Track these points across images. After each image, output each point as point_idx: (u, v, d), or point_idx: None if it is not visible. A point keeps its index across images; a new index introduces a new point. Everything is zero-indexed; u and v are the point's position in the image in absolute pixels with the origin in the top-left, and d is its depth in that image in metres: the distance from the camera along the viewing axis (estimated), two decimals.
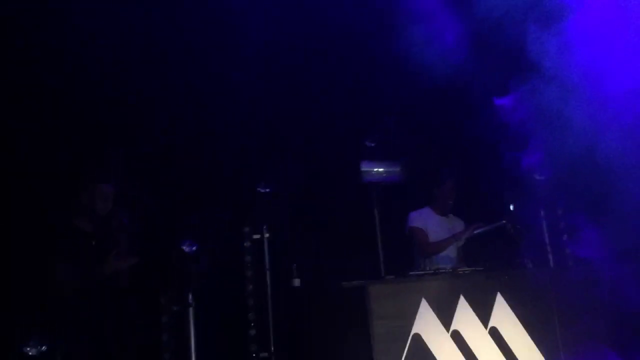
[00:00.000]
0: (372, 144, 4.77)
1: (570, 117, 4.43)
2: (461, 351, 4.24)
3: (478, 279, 4.43)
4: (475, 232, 4.85)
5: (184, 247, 4.05)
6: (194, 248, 4.09)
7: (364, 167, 4.70)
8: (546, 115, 4.49)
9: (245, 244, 4.62)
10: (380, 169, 4.79)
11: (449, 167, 5.11)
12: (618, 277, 4.36)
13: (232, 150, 5.04)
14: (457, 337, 4.26)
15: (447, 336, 4.26)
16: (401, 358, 4.14)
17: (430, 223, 5.00)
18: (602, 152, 4.34)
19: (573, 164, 4.42)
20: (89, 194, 4.03)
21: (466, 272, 4.49)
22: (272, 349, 4.41)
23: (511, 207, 4.71)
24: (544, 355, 4.30)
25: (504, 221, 4.69)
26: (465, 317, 4.30)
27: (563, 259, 4.85)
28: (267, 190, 4.66)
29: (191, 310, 4.06)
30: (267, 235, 4.62)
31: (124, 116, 4.77)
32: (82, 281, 3.84)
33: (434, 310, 4.27)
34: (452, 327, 4.28)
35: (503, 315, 4.33)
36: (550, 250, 4.84)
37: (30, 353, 3.33)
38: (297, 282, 4.57)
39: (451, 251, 4.94)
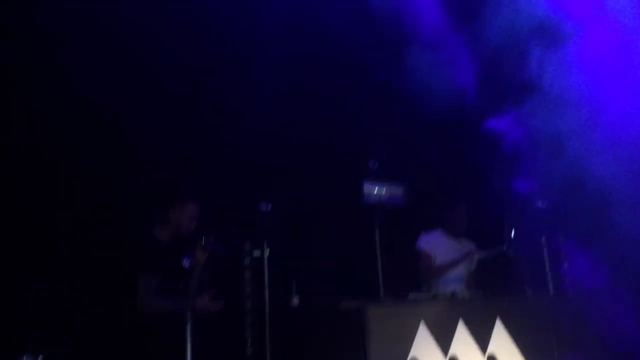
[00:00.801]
0: (375, 166, 4.78)
1: (566, 142, 4.46)
2: None
3: (477, 304, 4.42)
4: (477, 256, 4.85)
5: (183, 262, 4.03)
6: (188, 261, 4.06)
7: (366, 189, 4.70)
8: (542, 138, 4.51)
9: (245, 261, 4.61)
10: (383, 191, 4.80)
11: (462, 190, 5.13)
12: (616, 307, 4.35)
13: (233, 167, 5.06)
14: None
15: None
16: None
17: (439, 246, 5.01)
18: (598, 179, 4.36)
19: (569, 189, 4.45)
20: (177, 211, 4.05)
21: (465, 296, 4.48)
22: None
23: (512, 234, 4.71)
24: None
25: (504, 247, 4.69)
26: (463, 343, 4.27)
27: (563, 287, 4.83)
28: (269, 208, 4.65)
29: (189, 324, 4.02)
30: (267, 252, 4.61)
31: None
32: (169, 304, 3.85)
33: (432, 334, 4.25)
34: (450, 353, 4.25)
35: (502, 341, 4.31)
36: (550, 278, 4.82)
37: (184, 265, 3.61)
38: (296, 300, 4.55)
39: (461, 274, 4.95)
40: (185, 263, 3.88)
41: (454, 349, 4.25)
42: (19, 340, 3.98)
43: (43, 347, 3.74)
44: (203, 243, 4.02)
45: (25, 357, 3.33)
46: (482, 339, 4.29)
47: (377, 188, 4.73)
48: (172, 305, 3.87)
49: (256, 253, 4.60)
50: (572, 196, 4.54)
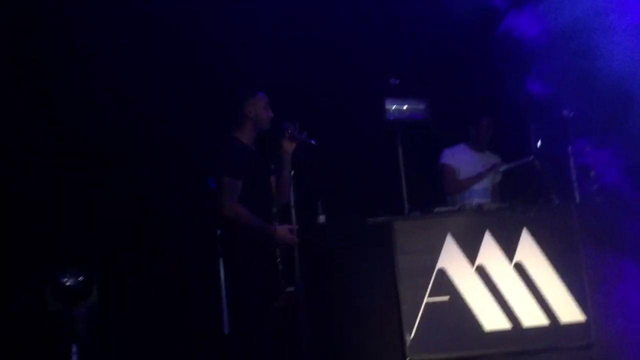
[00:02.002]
0: (397, 82, 4.72)
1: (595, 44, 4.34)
2: (486, 285, 4.28)
3: (504, 214, 4.43)
4: (502, 168, 4.83)
5: (286, 127, 3.87)
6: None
7: (388, 105, 4.66)
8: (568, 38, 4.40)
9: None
10: (405, 107, 4.75)
11: (485, 104, 5.06)
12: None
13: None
14: (482, 272, 4.30)
15: (471, 271, 4.30)
16: (426, 292, 4.20)
17: (464, 160, 4.97)
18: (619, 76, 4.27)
19: (589, 91, 4.37)
20: (251, 103, 3.84)
21: (492, 208, 4.49)
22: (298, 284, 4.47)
23: (538, 144, 4.66)
24: (569, 289, 4.31)
25: (531, 157, 4.65)
26: (490, 252, 4.32)
27: (590, 194, 4.81)
28: (293, 126, 4.64)
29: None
30: (292, 172, 4.63)
31: None
32: (254, 221, 3.70)
33: (459, 245, 4.30)
34: (477, 262, 4.31)
35: (528, 250, 4.34)
36: (576, 187, 4.79)
37: (67, 283, 3.44)
38: (322, 218, 4.60)
39: (487, 186, 4.93)
40: (288, 127, 3.81)
41: (480, 259, 4.31)
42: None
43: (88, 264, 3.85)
44: (289, 133, 3.86)
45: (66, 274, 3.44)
46: (509, 249, 4.33)
47: (399, 105, 4.69)
48: (255, 224, 3.72)
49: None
50: (592, 98, 4.47)
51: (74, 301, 3.43)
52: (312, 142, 3.95)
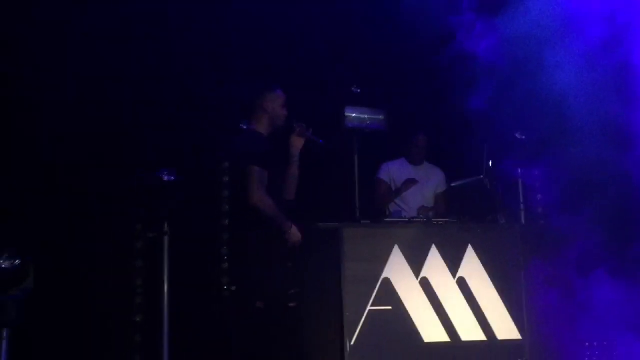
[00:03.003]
0: (358, 90, 4.77)
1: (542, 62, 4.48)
2: (428, 298, 4.35)
3: (451, 230, 4.52)
4: (453, 184, 4.94)
5: (163, 175, 4.03)
6: (172, 178, 4.07)
7: (349, 112, 4.70)
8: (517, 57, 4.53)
9: (224, 179, 4.63)
10: (365, 116, 4.83)
11: (425, 120, 5.19)
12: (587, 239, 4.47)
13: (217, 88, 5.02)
14: (426, 285, 4.36)
15: (416, 283, 4.36)
16: (369, 301, 4.24)
17: (400, 174, 5.15)
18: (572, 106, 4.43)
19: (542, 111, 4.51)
20: (271, 100, 3.91)
21: (440, 222, 4.57)
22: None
23: (490, 164, 4.77)
24: (507, 308, 4.42)
25: (482, 176, 4.76)
26: (435, 266, 4.39)
27: (535, 217, 4.95)
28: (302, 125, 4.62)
29: (166, 238, 4.07)
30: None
31: None
32: (277, 215, 3.74)
33: (405, 256, 4.36)
34: (422, 275, 4.38)
35: (472, 266, 4.43)
36: (523, 208, 4.92)
37: (2, 265, 3.36)
38: None
39: (428, 197, 5.11)
40: (298, 127, 3.92)
41: (425, 272, 4.38)
42: None
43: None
44: (298, 129, 3.96)
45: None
46: (454, 264, 4.41)
47: (359, 113, 4.74)
48: (278, 218, 3.77)
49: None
50: (535, 116, 4.63)
51: (9, 285, 3.32)
52: (320, 141, 4.08)
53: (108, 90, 4.73)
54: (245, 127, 3.96)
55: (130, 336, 4.28)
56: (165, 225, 4.08)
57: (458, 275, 4.41)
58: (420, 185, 5.09)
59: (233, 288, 4.41)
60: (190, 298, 4.54)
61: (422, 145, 5.22)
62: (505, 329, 4.40)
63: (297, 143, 4.00)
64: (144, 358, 4.14)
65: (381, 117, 4.84)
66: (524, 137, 4.88)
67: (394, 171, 5.21)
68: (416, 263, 4.36)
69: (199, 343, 4.47)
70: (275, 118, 3.92)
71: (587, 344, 4.59)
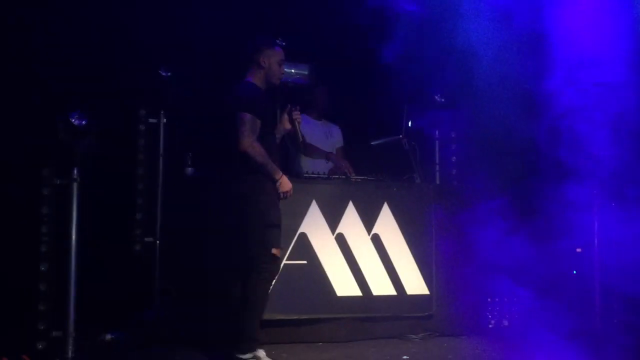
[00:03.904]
0: (283, 43, 4.68)
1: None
2: (343, 253, 4.44)
3: (368, 187, 4.59)
4: (373, 143, 4.97)
5: (73, 119, 3.83)
6: (84, 122, 3.87)
7: None
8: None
9: (140, 127, 4.47)
10: (292, 70, 4.83)
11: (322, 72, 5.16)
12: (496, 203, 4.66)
13: (137, 32, 4.79)
14: (341, 240, 4.45)
15: (331, 238, 4.43)
16: (285, 254, 4.27)
17: (306, 127, 5.04)
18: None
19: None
20: (267, 55, 3.89)
21: (358, 179, 4.63)
22: (158, 234, 4.37)
23: (409, 124, 4.85)
24: (418, 265, 4.59)
25: (400, 136, 4.83)
26: (351, 222, 4.47)
27: (449, 178, 5.11)
28: (169, 74, 4.49)
29: (75, 185, 3.89)
30: (164, 120, 4.49)
31: None
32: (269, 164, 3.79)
33: (322, 212, 4.41)
34: (338, 230, 4.45)
35: (386, 224, 4.55)
36: (438, 169, 5.06)
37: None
38: (190, 171, 4.52)
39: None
40: (295, 113, 4.04)
41: (341, 228, 4.45)
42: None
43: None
44: (293, 115, 4.06)
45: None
46: (369, 221, 4.51)
47: (287, 68, 4.66)
48: (269, 166, 3.80)
49: (152, 120, 4.48)
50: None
51: None
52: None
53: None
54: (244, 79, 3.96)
55: (34, 285, 4.10)
56: (75, 172, 3.89)
57: (373, 232, 4.51)
58: (324, 140, 5.04)
59: (147, 239, 4.35)
60: (101, 249, 4.42)
61: (321, 97, 5.10)
62: (415, 284, 4.56)
63: (285, 125, 4.08)
64: (48, 309, 3.99)
65: (306, 72, 4.86)
66: (443, 99, 4.99)
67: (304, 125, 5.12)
68: (333, 219, 4.43)
69: (106, 294, 4.36)
70: (270, 74, 3.92)
71: (489, 299, 4.83)
